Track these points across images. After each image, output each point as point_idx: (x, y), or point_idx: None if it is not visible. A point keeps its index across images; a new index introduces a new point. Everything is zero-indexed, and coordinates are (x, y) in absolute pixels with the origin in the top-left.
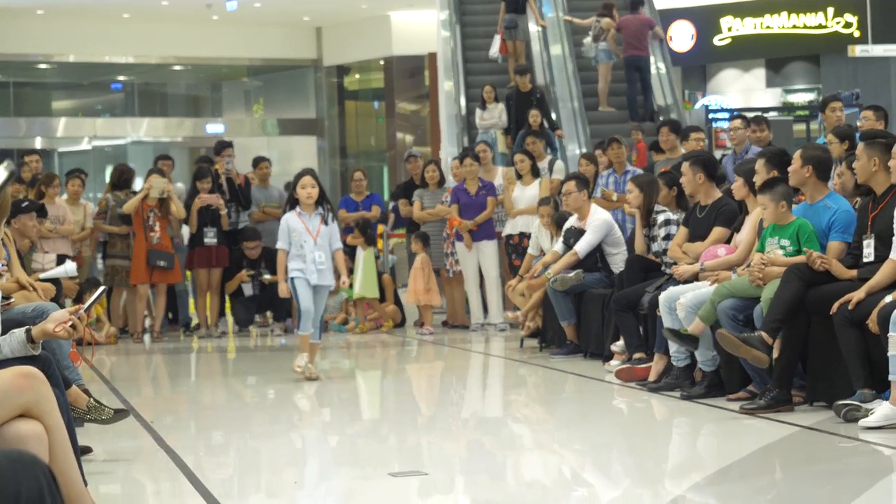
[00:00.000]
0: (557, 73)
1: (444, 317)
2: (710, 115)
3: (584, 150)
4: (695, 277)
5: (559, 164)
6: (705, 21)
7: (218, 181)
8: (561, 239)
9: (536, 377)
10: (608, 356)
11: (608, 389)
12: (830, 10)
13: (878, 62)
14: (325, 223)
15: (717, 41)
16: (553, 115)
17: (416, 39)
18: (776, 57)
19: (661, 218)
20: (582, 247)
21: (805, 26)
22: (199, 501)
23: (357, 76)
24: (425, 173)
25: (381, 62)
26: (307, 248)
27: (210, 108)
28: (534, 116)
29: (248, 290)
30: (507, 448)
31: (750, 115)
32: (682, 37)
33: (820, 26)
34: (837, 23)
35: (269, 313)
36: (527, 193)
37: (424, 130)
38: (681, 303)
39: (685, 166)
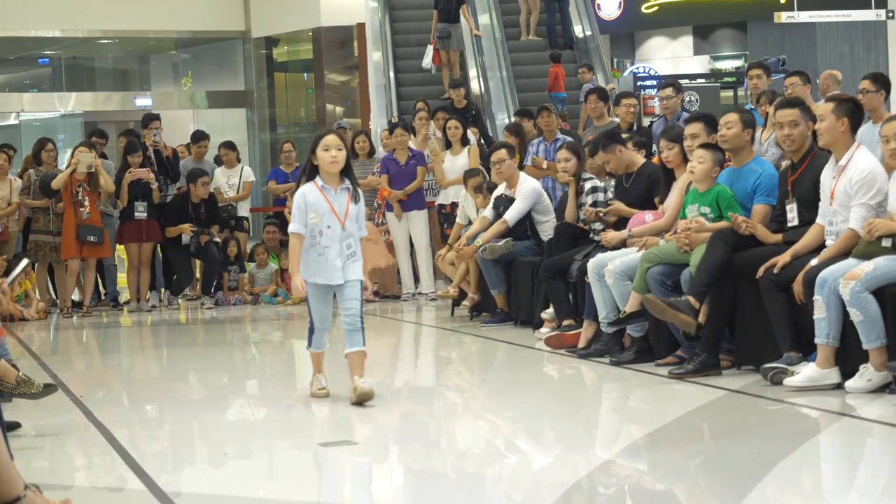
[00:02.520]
0: (486, 41)
1: (375, 287)
2: (639, 83)
3: (513, 120)
4: (623, 244)
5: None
6: None
7: (146, 154)
8: (490, 207)
9: (467, 346)
10: (538, 324)
11: (538, 357)
12: None
13: (804, 28)
14: (355, 201)
15: (645, 9)
16: (489, 131)
17: (344, 10)
18: (703, 24)
19: (588, 185)
20: (511, 215)
21: None
22: (131, 476)
23: (286, 48)
24: (355, 144)
25: (310, 33)
26: (331, 235)
27: (138, 81)
28: (473, 133)
29: (185, 239)
30: (440, 417)
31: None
32: (609, 4)
33: None
34: None
35: (197, 287)
36: (457, 163)
37: (354, 101)
38: (609, 269)
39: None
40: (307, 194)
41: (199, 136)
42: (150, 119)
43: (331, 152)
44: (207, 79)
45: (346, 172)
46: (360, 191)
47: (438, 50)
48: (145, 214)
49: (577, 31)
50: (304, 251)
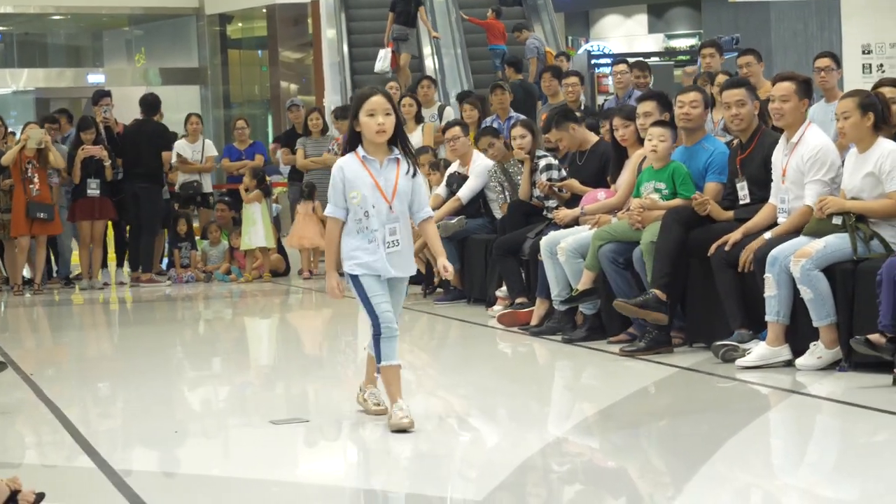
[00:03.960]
0: (440, 18)
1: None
2: (593, 61)
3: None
4: (575, 222)
5: (448, 109)
6: None
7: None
8: (444, 184)
9: (421, 323)
10: (491, 301)
11: (491, 334)
12: None
13: (758, 7)
14: (407, 174)
15: None
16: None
17: None
18: (658, 2)
19: (542, 163)
20: (465, 193)
21: None
22: (81, 454)
23: (240, 24)
24: (308, 121)
25: (264, 10)
26: (377, 216)
27: (91, 57)
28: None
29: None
30: None
31: (631, 60)
32: None
33: None
34: None
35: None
36: (412, 140)
37: (308, 79)
38: (561, 247)
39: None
40: (345, 168)
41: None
42: (100, 96)
43: (377, 118)
44: (161, 55)
45: (396, 140)
46: (410, 162)
47: (396, 53)
48: (98, 192)
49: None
50: (349, 238)
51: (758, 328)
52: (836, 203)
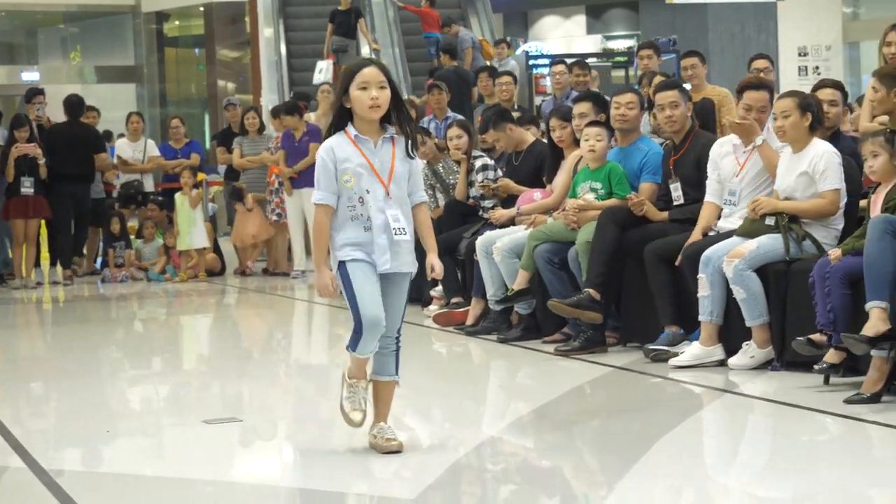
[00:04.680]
0: (378, 19)
1: (265, 264)
2: (531, 62)
3: (406, 96)
4: (511, 222)
5: None
6: None
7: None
8: None
9: None
10: (427, 301)
11: (427, 334)
12: None
13: (695, 8)
14: (409, 154)
15: None
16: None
17: None
18: (596, 3)
19: (478, 163)
20: None
21: None
22: (12, 454)
23: (177, 23)
24: (245, 121)
25: (201, 8)
26: (372, 201)
27: (25, 55)
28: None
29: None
30: (329, 394)
31: (570, 61)
32: None
33: None
34: None
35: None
36: None
37: (246, 77)
38: (497, 247)
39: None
40: (336, 149)
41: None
42: (33, 94)
43: (370, 91)
44: (97, 53)
45: (391, 117)
46: (408, 140)
47: (337, 64)
48: (32, 190)
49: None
50: (341, 227)
51: (689, 327)
52: (769, 204)
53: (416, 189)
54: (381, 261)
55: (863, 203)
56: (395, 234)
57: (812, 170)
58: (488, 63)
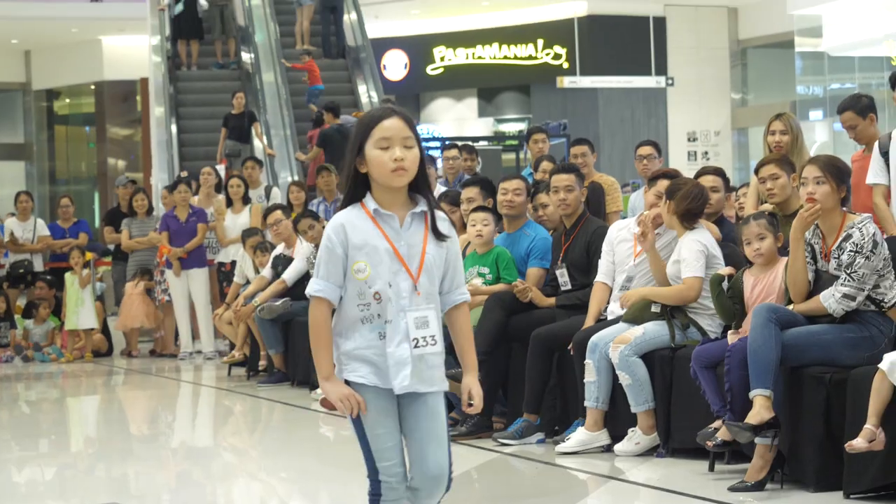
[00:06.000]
0: (270, 100)
1: (152, 345)
2: (422, 144)
3: (296, 178)
4: None
5: (276, 190)
6: (418, 50)
7: None
8: (269, 266)
9: (244, 406)
10: (315, 384)
11: (314, 417)
12: (540, 42)
13: (585, 93)
14: (439, 236)
15: (430, 70)
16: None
17: (127, 64)
18: (488, 87)
19: None
20: (290, 275)
21: (515, 57)
22: None
23: (67, 100)
24: (133, 202)
25: (92, 87)
26: (394, 298)
27: None
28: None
29: None
30: (215, 478)
31: (460, 143)
32: (395, 66)
33: (530, 57)
34: (547, 54)
35: None
36: (238, 221)
37: (137, 156)
38: None
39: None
40: (348, 227)
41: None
42: None
43: (393, 151)
44: None
45: (420, 186)
46: (445, 216)
47: (229, 169)
48: None
49: (362, 90)
50: (347, 332)
51: (577, 413)
52: (634, 293)
53: (456, 284)
54: (399, 378)
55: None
56: (418, 345)
57: (681, 257)
58: None
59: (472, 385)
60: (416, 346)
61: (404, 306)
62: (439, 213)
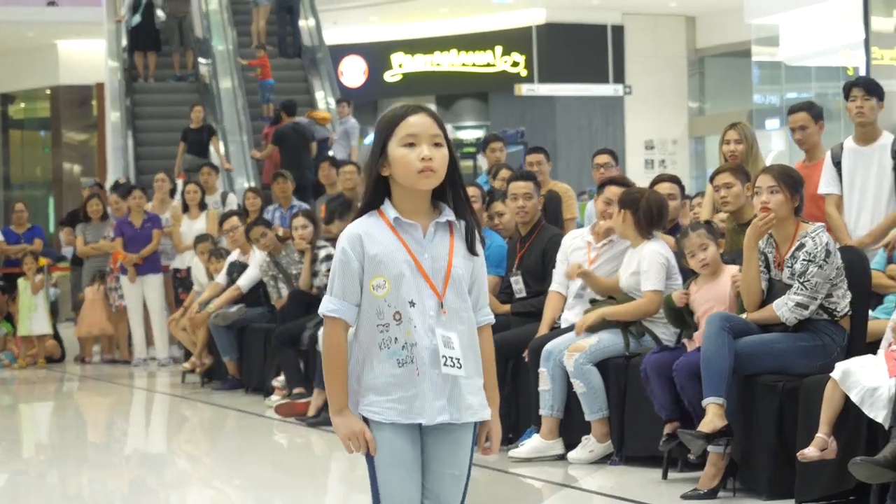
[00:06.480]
0: (227, 106)
1: (101, 352)
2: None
3: (253, 184)
4: None
5: (232, 196)
6: (376, 57)
7: None
8: (224, 272)
9: (198, 413)
10: (269, 391)
11: (268, 425)
12: (499, 49)
13: (543, 101)
14: (473, 250)
15: (389, 77)
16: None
17: (83, 69)
18: (446, 94)
19: (322, 253)
20: (244, 281)
21: (473, 64)
22: None
23: (22, 105)
24: (87, 207)
25: (48, 91)
26: (419, 318)
27: None
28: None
29: None
30: (169, 485)
31: None
32: (353, 72)
33: (488, 65)
34: (505, 62)
35: None
36: (194, 227)
37: (92, 161)
38: None
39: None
40: (365, 238)
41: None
42: None
43: (420, 149)
44: None
45: (444, 194)
46: (469, 228)
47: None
48: None
49: (319, 95)
50: (364, 360)
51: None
52: (592, 316)
53: (481, 304)
54: (433, 409)
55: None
56: (445, 364)
57: (640, 269)
58: (327, 126)
59: (490, 423)
60: (444, 366)
61: (431, 326)
62: (469, 228)
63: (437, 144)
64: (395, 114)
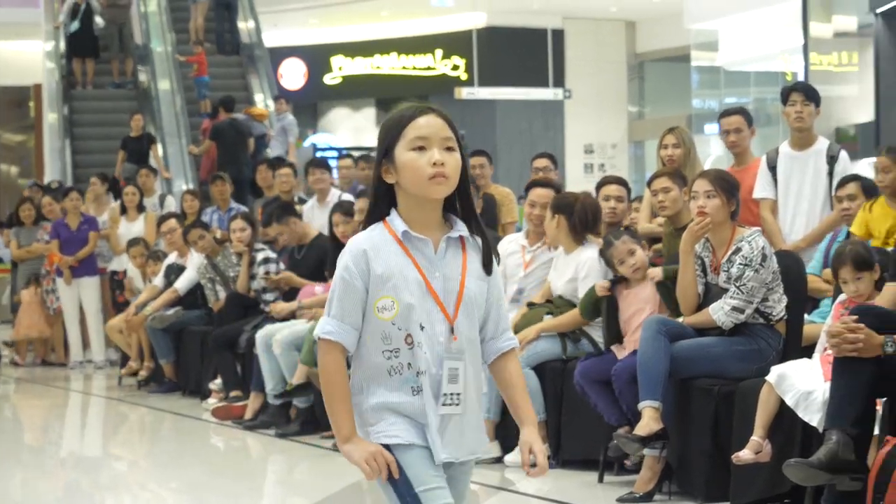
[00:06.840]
0: (165, 109)
1: (34, 355)
2: (319, 154)
3: (191, 186)
4: (292, 315)
5: (170, 199)
6: (316, 59)
7: None
8: (161, 275)
9: (135, 415)
10: (206, 394)
11: (205, 428)
12: (439, 53)
13: (484, 104)
14: (489, 269)
15: (328, 80)
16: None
17: (20, 70)
18: (386, 97)
19: (260, 256)
20: (182, 284)
21: (414, 67)
22: None
23: None
24: (20, 212)
25: None
26: (428, 344)
27: None
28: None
29: None
30: (104, 488)
31: (357, 153)
32: (293, 74)
33: (429, 68)
34: (445, 65)
35: None
36: (132, 229)
37: (30, 162)
38: (277, 339)
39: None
40: (371, 253)
41: None
42: None
43: (430, 153)
44: None
45: (456, 205)
46: (484, 245)
47: None
48: None
49: (257, 95)
50: (369, 385)
51: None
52: (530, 332)
53: (502, 328)
54: (440, 446)
55: None
56: (444, 403)
57: (577, 276)
58: (265, 123)
59: (532, 441)
60: (442, 406)
61: (441, 354)
62: (483, 237)
63: (449, 149)
64: (402, 114)
